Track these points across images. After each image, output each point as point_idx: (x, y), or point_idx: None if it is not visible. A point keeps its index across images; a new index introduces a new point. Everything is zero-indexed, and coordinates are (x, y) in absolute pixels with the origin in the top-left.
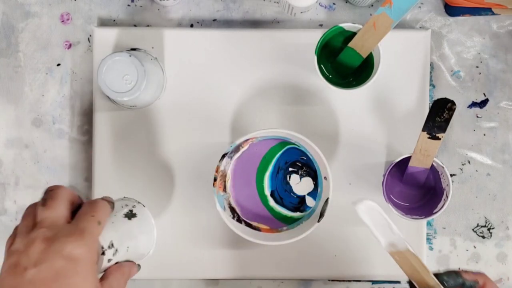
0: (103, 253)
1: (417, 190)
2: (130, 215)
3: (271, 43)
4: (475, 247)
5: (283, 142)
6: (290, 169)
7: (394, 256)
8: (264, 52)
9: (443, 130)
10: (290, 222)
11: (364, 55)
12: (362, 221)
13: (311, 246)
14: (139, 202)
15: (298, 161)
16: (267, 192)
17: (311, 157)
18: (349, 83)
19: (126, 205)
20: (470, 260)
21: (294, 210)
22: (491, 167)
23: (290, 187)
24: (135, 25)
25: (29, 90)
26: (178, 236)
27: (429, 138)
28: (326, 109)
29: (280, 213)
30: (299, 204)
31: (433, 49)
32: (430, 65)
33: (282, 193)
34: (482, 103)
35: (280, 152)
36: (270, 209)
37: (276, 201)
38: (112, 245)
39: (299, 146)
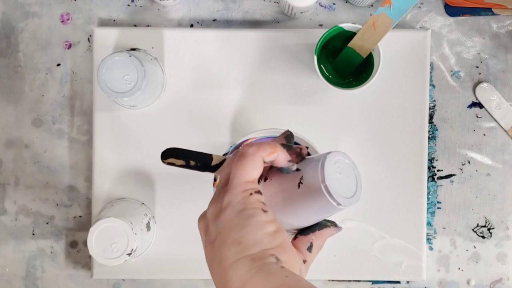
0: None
1: None
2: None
3: (271, 43)
4: (475, 247)
5: None
6: None
7: None
8: (264, 52)
9: None
10: None
11: (364, 55)
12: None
13: None
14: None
15: None
16: None
17: None
18: (349, 83)
19: (146, 214)
20: (470, 260)
21: None
22: (491, 167)
23: None
24: (135, 25)
25: (29, 90)
26: (178, 236)
27: None
28: (326, 109)
29: None
30: None
31: (433, 49)
32: (430, 65)
33: None
34: (482, 103)
35: None
36: None
37: None
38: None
39: None
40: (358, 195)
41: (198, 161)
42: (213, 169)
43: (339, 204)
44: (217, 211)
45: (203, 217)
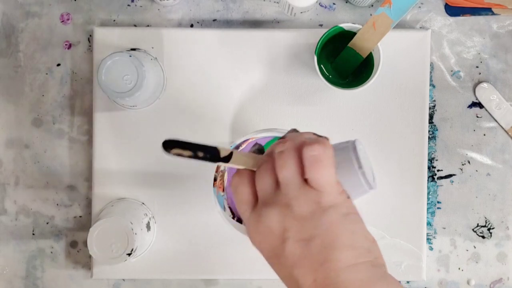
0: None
1: None
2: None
3: (271, 43)
4: (475, 247)
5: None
6: None
7: None
8: (264, 52)
9: None
10: None
11: (364, 55)
12: None
13: None
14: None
15: None
16: None
17: None
18: (349, 83)
19: (146, 214)
20: (470, 260)
21: None
22: (491, 167)
23: None
24: (135, 25)
25: (29, 90)
26: (178, 236)
27: None
28: (326, 109)
29: None
30: None
31: (433, 49)
32: (430, 65)
33: None
34: (482, 103)
35: None
36: None
37: None
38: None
39: None
40: (376, 179)
41: (206, 152)
42: (225, 160)
43: (371, 188)
44: (313, 211)
45: (280, 212)
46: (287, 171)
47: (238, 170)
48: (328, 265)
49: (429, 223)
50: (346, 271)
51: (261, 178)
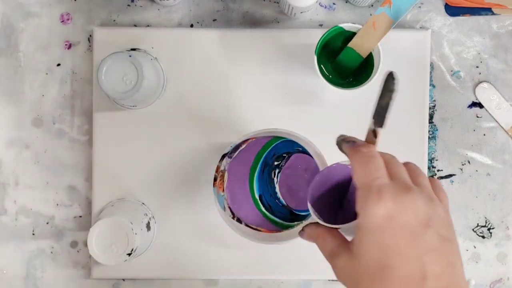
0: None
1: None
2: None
3: (271, 43)
4: (475, 247)
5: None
6: (276, 162)
7: None
8: (264, 52)
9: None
10: (287, 228)
11: (364, 55)
12: None
13: (311, 246)
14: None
15: (287, 152)
16: (257, 196)
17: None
18: (349, 83)
19: (146, 214)
20: (470, 260)
21: (287, 220)
22: (491, 167)
23: (274, 188)
24: (135, 25)
25: (29, 90)
26: (178, 236)
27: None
28: (326, 109)
29: (275, 220)
30: (292, 216)
31: (433, 49)
32: (430, 65)
33: (268, 198)
34: (482, 103)
35: (273, 145)
36: (264, 215)
37: (266, 208)
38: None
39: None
40: None
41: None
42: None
43: None
44: (446, 222)
45: (428, 201)
46: (426, 181)
47: (367, 144)
48: (454, 268)
49: None
50: (463, 281)
51: (398, 166)
